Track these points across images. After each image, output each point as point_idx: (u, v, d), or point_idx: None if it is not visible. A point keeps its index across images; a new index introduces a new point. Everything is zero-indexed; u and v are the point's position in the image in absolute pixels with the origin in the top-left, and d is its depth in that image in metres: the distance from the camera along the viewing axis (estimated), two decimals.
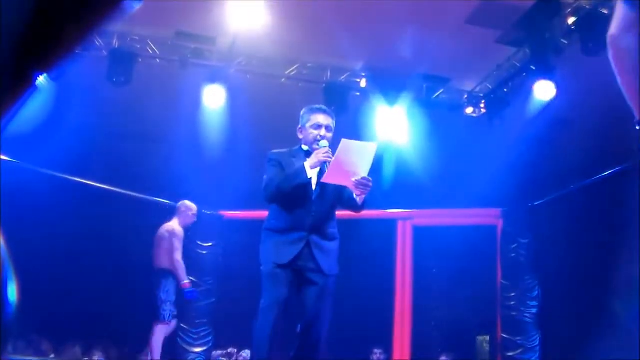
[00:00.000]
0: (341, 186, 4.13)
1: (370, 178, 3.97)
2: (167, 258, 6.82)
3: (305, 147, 4.28)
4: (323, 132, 4.22)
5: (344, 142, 3.89)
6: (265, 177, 4.21)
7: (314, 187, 4.15)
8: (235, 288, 9.38)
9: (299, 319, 4.13)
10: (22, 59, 0.56)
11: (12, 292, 0.75)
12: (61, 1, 0.56)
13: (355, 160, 3.93)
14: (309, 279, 4.09)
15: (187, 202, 7.23)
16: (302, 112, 4.37)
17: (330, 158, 4.00)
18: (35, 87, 0.59)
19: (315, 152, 4.11)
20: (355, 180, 3.95)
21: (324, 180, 4.02)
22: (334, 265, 4.16)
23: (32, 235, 7.51)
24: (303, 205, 4.13)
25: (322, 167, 4.10)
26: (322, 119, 4.26)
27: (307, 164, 4.09)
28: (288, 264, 4.05)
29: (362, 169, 3.95)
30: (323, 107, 4.48)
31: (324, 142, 4.15)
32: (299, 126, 4.34)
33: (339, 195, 4.21)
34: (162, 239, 6.93)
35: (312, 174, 4.11)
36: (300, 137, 4.32)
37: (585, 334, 7.95)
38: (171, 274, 6.81)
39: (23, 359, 7.66)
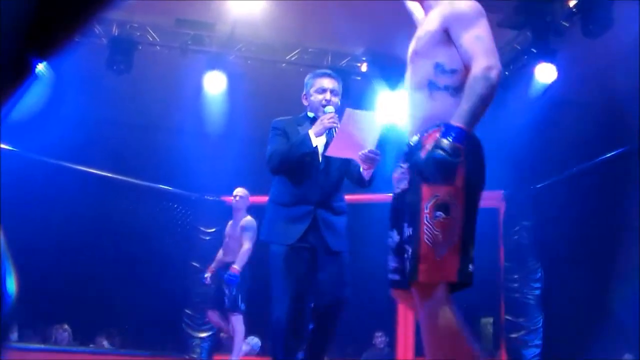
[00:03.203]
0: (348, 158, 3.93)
1: (378, 151, 3.73)
2: None
3: (311, 114, 4.07)
4: (328, 95, 3.99)
5: (348, 112, 3.70)
6: (268, 147, 4.02)
7: (320, 157, 3.95)
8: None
9: (314, 299, 3.93)
10: (22, 47, 0.56)
11: (11, 284, 0.76)
12: None
13: (362, 132, 3.68)
14: (319, 258, 3.89)
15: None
16: (306, 79, 4.16)
17: (337, 124, 3.81)
18: (36, 76, 0.59)
19: (320, 118, 3.90)
20: (362, 153, 3.70)
21: (328, 153, 3.81)
22: (341, 242, 3.96)
23: (32, 223, 7.53)
24: (309, 176, 3.93)
25: (330, 135, 3.87)
26: (326, 82, 4.05)
27: (312, 131, 3.88)
28: (297, 242, 3.85)
29: (369, 142, 3.70)
30: (327, 70, 4.30)
31: (330, 108, 3.93)
32: (304, 93, 4.13)
33: (347, 167, 4.00)
34: None
35: (318, 143, 3.90)
36: (306, 104, 4.11)
37: (588, 315, 7.98)
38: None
39: (28, 346, 7.71)
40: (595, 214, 8.19)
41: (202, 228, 9.62)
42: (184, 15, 7.90)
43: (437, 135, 2.40)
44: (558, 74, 7.58)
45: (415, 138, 2.55)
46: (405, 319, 8.84)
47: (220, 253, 7.42)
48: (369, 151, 3.70)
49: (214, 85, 8.32)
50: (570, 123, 8.28)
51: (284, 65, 8.42)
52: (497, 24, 7.69)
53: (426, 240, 2.39)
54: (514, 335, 8.68)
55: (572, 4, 7.14)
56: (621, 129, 7.77)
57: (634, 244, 7.33)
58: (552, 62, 7.55)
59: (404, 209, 2.54)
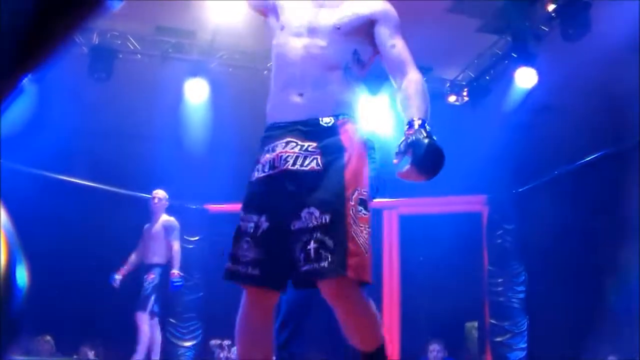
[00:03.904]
0: None
1: None
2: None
3: None
4: None
5: None
6: None
7: None
8: (223, 282, 9.36)
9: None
10: (7, 61, 0.56)
11: (22, 275, 0.74)
12: (45, 1, 0.56)
13: None
14: None
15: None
16: None
17: None
18: (21, 89, 0.59)
19: None
20: None
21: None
22: None
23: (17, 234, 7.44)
24: None
25: None
26: None
27: None
28: None
29: None
30: None
31: None
32: None
33: None
34: None
35: None
36: None
37: (572, 317, 8.02)
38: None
39: (9, 359, 7.62)
40: (578, 217, 8.24)
41: (185, 236, 9.56)
42: (165, 23, 7.87)
43: (356, 133, 2.39)
44: (538, 78, 7.63)
45: (328, 119, 2.38)
46: (390, 321, 8.85)
47: (133, 256, 7.34)
48: None
49: (196, 93, 8.30)
50: (551, 127, 8.34)
51: (265, 72, 8.40)
52: (477, 29, 7.74)
53: (353, 234, 2.24)
54: (498, 339, 8.71)
55: (551, 8, 7.19)
56: (602, 132, 7.83)
57: (617, 245, 7.38)
58: (532, 66, 7.61)
59: (302, 191, 2.29)
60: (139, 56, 8.19)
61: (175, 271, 6.85)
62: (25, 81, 0.59)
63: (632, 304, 6.86)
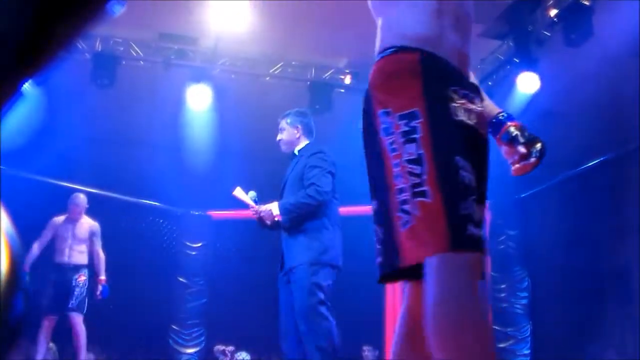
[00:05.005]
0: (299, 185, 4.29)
1: (256, 209, 4.33)
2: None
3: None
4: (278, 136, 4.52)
5: (235, 192, 4.47)
6: None
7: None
8: (226, 288, 9.38)
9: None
10: (7, 66, 0.56)
11: (25, 282, 0.74)
12: (45, 6, 0.56)
13: (247, 201, 4.42)
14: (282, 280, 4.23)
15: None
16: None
17: (257, 215, 4.33)
18: (21, 94, 0.58)
19: None
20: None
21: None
22: (292, 257, 4.18)
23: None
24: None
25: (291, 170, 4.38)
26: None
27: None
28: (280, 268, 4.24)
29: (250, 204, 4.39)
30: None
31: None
32: None
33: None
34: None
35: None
36: None
37: (575, 323, 8.00)
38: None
39: None
40: (581, 222, 8.23)
41: (188, 243, 9.58)
42: (167, 29, 7.89)
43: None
44: (541, 83, 7.63)
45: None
46: (393, 333, 8.82)
47: (36, 246, 7.08)
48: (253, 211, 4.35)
49: (198, 99, 8.31)
50: (554, 132, 8.31)
51: (267, 78, 8.41)
52: (479, 35, 7.74)
53: None
54: (502, 345, 8.69)
55: (553, 13, 7.19)
56: (604, 136, 7.82)
57: (619, 250, 7.36)
58: (534, 71, 7.60)
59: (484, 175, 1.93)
60: (142, 63, 8.20)
61: (103, 277, 6.95)
62: (26, 86, 0.59)
63: (633, 309, 6.84)
